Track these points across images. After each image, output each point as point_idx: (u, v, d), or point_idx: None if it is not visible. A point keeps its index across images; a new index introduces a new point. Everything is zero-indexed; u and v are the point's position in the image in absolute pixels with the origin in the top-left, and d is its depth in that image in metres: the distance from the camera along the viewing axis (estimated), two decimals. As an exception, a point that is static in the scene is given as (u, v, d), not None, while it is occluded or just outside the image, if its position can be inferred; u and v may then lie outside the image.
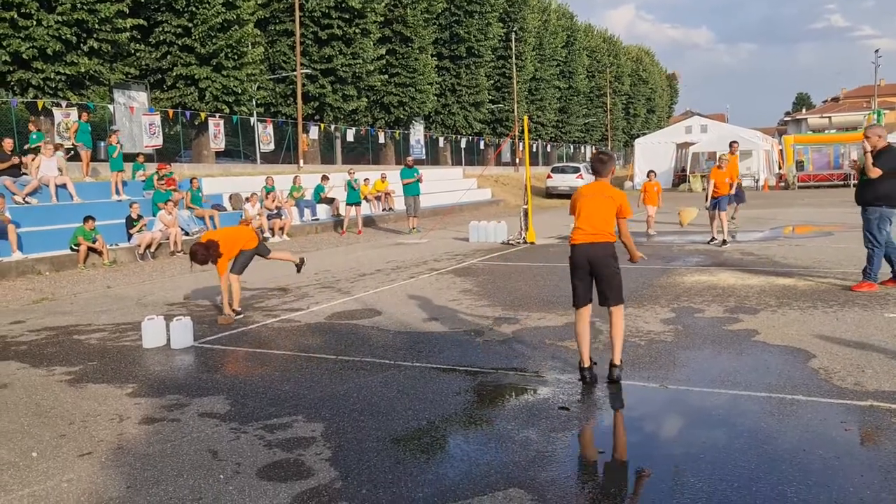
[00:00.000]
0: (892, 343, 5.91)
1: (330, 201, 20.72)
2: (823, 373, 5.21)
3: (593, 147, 59.76)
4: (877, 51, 67.51)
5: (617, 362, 5.15)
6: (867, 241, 8.20)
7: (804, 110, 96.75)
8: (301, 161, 26.75)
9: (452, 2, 36.61)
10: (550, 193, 34.03)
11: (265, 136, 27.16)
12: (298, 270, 9.10)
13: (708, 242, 13.49)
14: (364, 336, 7.04)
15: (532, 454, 3.97)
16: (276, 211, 17.75)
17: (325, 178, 21.03)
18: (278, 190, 18.75)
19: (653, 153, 38.30)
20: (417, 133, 36.88)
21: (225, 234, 8.12)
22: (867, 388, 4.83)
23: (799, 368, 5.36)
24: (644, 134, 51.07)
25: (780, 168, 37.70)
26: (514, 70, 41.20)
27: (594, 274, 5.16)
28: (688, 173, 36.36)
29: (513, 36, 40.95)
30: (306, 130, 27.72)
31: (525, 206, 15.26)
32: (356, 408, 4.84)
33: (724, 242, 13.10)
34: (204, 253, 7.53)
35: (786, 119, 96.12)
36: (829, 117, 72.11)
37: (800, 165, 35.37)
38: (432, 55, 35.04)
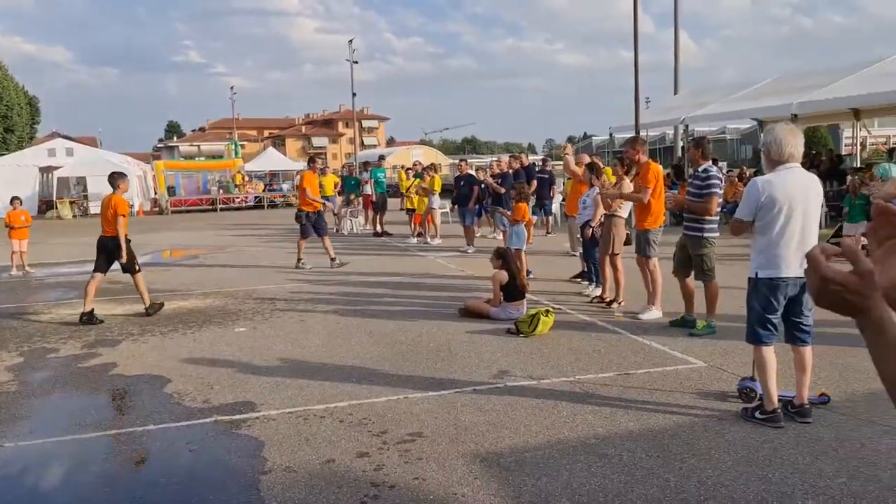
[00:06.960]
0: (238, 355, 6.46)
1: None
2: (177, 396, 5.32)
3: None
4: (232, 87, 75.43)
5: None
6: None
7: (175, 138, 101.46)
8: None
9: None
10: None
11: None
12: None
13: None
14: None
15: None
16: None
17: None
18: None
19: (13, 176, 34.12)
20: None
21: None
22: (213, 403, 5.12)
23: (154, 396, 5.35)
24: (2, 155, 45.02)
25: (154, 193, 38.36)
26: None
27: None
28: (55, 199, 33.75)
29: None
30: None
31: None
32: None
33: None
34: None
35: (160, 145, 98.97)
36: (199, 146, 77.51)
37: (171, 191, 36.66)
38: None
